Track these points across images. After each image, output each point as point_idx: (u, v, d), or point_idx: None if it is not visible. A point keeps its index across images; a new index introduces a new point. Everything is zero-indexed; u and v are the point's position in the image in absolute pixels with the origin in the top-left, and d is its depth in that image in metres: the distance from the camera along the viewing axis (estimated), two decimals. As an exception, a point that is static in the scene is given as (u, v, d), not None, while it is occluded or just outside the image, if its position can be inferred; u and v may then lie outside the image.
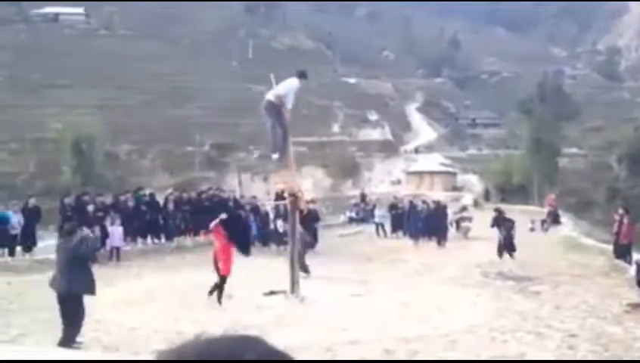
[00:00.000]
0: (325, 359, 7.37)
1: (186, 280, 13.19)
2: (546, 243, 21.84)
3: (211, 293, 10.59)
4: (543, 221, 27.57)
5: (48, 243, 16.82)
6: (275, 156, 10.79)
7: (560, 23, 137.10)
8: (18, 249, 15.42)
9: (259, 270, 14.43)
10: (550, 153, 48.66)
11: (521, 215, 31.18)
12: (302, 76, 10.94)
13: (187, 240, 19.65)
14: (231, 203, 20.81)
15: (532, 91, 62.02)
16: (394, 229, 24.15)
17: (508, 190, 48.85)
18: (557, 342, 8.34)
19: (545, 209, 30.41)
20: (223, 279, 10.54)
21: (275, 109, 10.43)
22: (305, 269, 13.67)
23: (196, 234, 20.07)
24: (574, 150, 59.48)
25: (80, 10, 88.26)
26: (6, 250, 15.35)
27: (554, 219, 28.47)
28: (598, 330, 9.03)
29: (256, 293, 11.33)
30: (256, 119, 64.22)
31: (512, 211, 31.88)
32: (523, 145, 52.72)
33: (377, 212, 25.70)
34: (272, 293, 11.39)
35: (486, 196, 48.09)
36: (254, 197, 23.87)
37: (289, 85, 10.49)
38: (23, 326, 8.96)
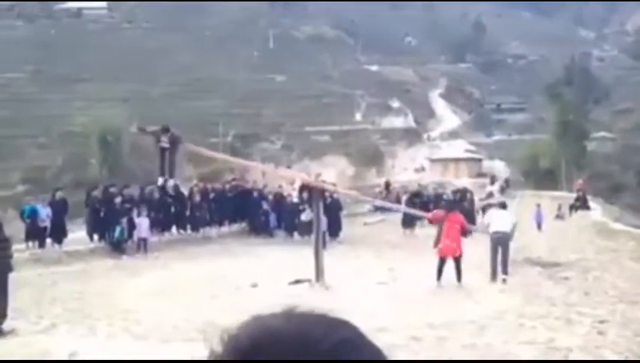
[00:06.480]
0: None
1: (212, 269, 13.34)
2: (575, 228, 21.50)
3: (459, 279, 11.21)
4: (571, 207, 27.09)
5: (76, 236, 17.15)
6: None
7: (587, 4, 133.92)
8: (48, 241, 15.73)
9: (283, 259, 14.47)
10: (578, 137, 47.79)
11: (551, 201, 30.86)
12: None
13: (213, 231, 19.83)
14: (255, 194, 20.96)
15: (559, 74, 61.10)
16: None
17: (536, 175, 48.14)
18: (586, 328, 8.21)
19: (574, 194, 29.93)
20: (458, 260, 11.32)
21: None
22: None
23: (221, 224, 20.26)
24: (603, 133, 58.27)
25: (103, 4, 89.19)
26: (36, 243, 15.66)
27: (582, 204, 27.97)
28: (629, 315, 8.86)
29: (281, 282, 11.38)
30: (278, 110, 64.60)
31: (541, 197, 31.67)
32: (550, 130, 51.84)
33: (403, 199, 25.50)
34: (298, 281, 11.42)
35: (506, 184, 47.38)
36: (280, 187, 23.65)
37: None
38: (54, 316, 9.13)
